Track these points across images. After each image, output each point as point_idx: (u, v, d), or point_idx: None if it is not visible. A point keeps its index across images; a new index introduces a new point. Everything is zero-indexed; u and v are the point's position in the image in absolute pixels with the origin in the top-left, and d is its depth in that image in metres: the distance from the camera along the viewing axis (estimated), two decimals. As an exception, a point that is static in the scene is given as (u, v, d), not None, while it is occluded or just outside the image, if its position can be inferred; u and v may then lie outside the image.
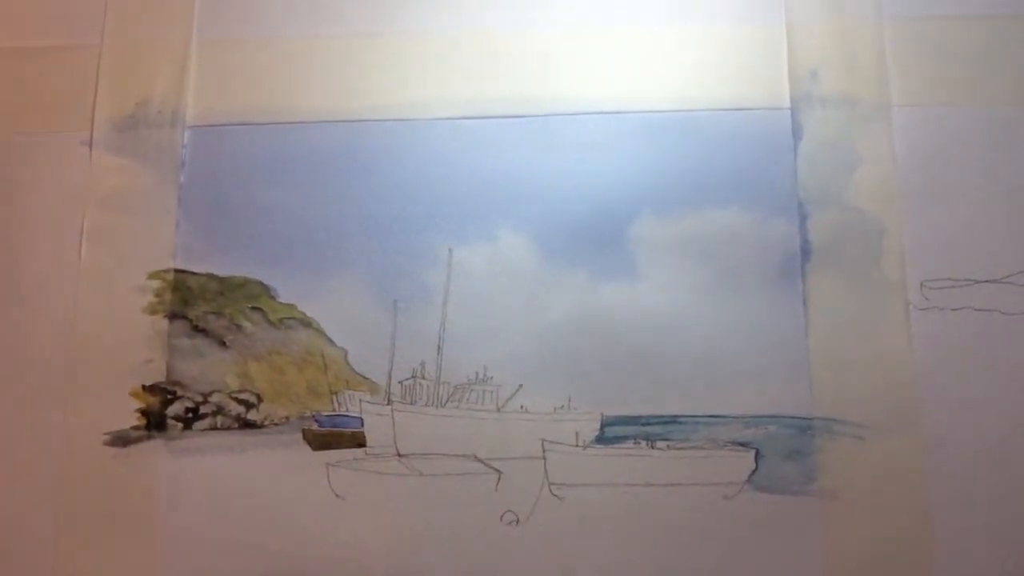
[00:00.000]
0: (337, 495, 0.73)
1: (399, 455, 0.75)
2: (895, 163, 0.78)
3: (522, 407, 0.75)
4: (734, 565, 0.72)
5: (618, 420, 0.74)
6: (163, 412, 0.75)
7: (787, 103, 0.79)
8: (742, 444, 0.73)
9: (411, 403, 0.75)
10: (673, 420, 0.74)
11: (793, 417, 0.74)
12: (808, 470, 0.73)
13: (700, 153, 0.78)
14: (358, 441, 0.75)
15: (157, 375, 0.76)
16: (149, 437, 0.74)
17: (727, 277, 0.76)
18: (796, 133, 0.79)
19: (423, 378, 0.76)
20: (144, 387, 0.75)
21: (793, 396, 0.74)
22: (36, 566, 0.73)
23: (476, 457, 0.74)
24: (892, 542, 0.71)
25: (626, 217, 0.77)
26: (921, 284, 0.75)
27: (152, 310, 0.77)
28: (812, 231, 0.77)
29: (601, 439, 0.74)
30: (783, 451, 0.73)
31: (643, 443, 0.74)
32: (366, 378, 0.76)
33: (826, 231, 0.77)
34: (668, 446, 0.74)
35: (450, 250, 0.78)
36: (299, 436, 0.75)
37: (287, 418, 0.75)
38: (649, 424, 0.74)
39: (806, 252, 0.77)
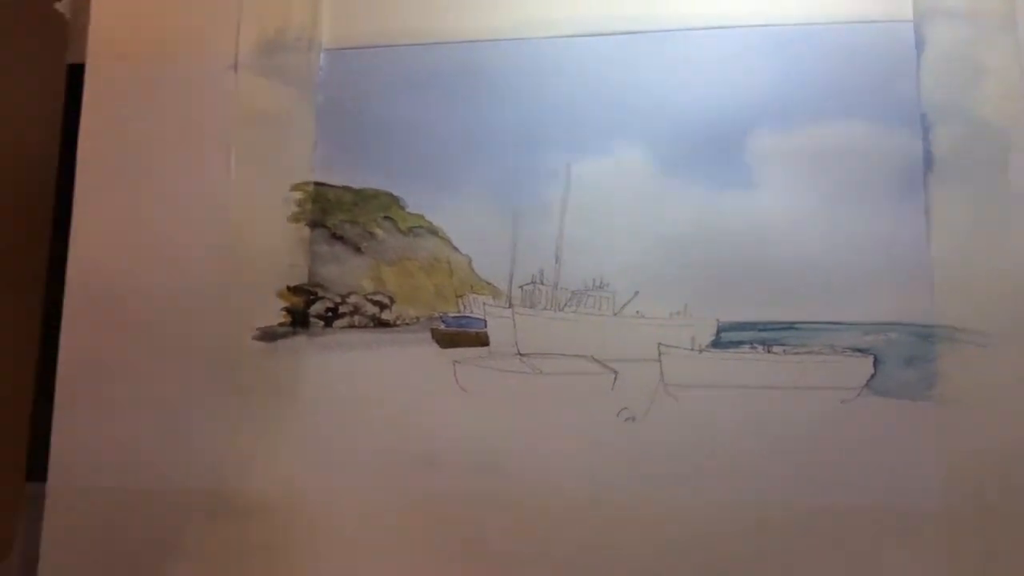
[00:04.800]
0: (463, 389, 0.78)
1: (520, 354, 0.79)
2: (1021, 75, 0.76)
3: (638, 312, 0.78)
4: (851, 468, 0.73)
5: (734, 326, 0.76)
6: (306, 311, 0.81)
7: (910, 15, 0.78)
8: (861, 350, 0.74)
9: (530, 307, 0.80)
10: (790, 327, 0.75)
11: (914, 324, 0.74)
12: (928, 376, 0.73)
13: (821, 67, 0.78)
14: (482, 341, 0.79)
15: (301, 278, 0.82)
16: (294, 333, 0.81)
17: (847, 187, 0.77)
18: (919, 46, 0.78)
19: (542, 284, 0.80)
20: (289, 288, 0.82)
21: (914, 304, 0.74)
22: (192, 445, 0.80)
23: (593, 358, 0.78)
24: (1011, 450, 0.71)
25: (744, 129, 0.78)
26: (1049, 194, 0.74)
27: (295, 219, 0.83)
28: (935, 143, 0.76)
29: (717, 343, 0.76)
30: (902, 358, 0.73)
31: (759, 347, 0.76)
32: (489, 283, 0.80)
33: (950, 143, 0.76)
34: (785, 351, 0.75)
35: (568, 165, 0.81)
36: (428, 335, 0.80)
37: (417, 318, 0.81)
38: (766, 330, 0.76)
39: (929, 163, 0.76)
